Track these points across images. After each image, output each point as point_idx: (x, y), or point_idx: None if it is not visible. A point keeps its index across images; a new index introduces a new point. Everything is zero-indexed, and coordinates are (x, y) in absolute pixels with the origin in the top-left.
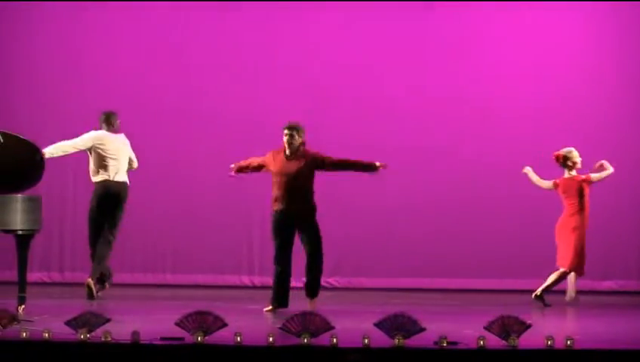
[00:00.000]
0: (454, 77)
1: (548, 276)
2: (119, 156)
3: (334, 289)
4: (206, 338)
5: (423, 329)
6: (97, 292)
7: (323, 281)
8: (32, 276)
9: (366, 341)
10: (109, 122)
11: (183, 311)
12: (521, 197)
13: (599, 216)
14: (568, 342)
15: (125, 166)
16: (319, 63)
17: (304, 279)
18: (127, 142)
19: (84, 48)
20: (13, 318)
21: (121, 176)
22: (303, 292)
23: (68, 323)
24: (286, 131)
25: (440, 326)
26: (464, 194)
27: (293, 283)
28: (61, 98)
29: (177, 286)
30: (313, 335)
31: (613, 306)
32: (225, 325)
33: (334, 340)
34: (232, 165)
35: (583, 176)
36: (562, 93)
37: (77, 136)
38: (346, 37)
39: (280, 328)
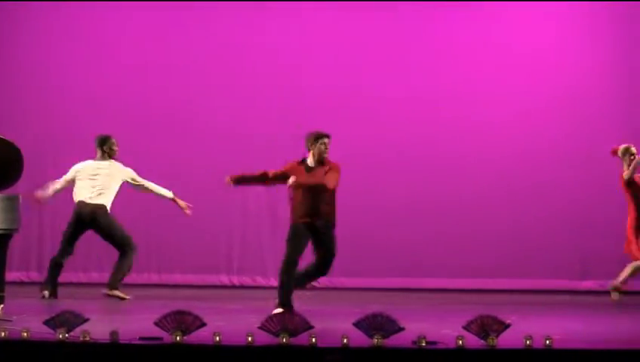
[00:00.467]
0: (454, 77)
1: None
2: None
3: (314, 289)
4: (185, 337)
5: (401, 329)
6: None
7: None
8: (10, 275)
9: (345, 340)
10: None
11: (162, 311)
12: (507, 198)
13: (578, 215)
14: (547, 342)
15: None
16: (315, 64)
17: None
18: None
19: (86, 48)
20: None
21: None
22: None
23: (47, 322)
24: (327, 140)
25: (419, 326)
26: (446, 196)
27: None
28: (57, 97)
29: (156, 285)
30: (292, 334)
31: (592, 306)
32: (203, 325)
33: (313, 340)
34: (228, 177)
35: None
36: (562, 93)
37: (70, 136)
38: (342, 38)
39: (259, 327)
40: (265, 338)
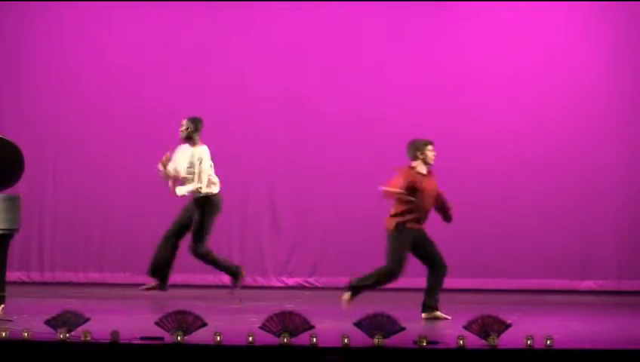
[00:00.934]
0: (454, 77)
1: (530, 276)
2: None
3: (315, 288)
4: (186, 337)
5: (402, 329)
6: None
7: (302, 281)
8: (11, 275)
9: (346, 340)
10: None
11: (163, 311)
12: (507, 198)
13: (579, 215)
14: (548, 342)
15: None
16: (315, 64)
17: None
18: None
19: (85, 48)
20: None
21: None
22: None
23: (47, 322)
24: (432, 147)
25: (419, 326)
26: (450, 194)
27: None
28: (57, 98)
29: None
30: (293, 334)
31: (592, 306)
32: (204, 324)
33: (314, 340)
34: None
35: None
36: (562, 93)
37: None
38: (342, 38)
39: (260, 327)
40: (266, 338)
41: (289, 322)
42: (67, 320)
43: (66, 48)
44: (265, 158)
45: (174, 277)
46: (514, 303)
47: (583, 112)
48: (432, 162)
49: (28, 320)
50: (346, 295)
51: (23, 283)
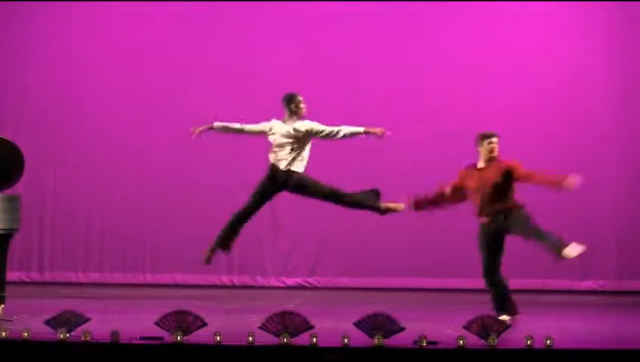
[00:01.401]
0: (454, 77)
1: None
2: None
3: (315, 288)
4: (185, 337)
5: (402, 329)
6: None
7: (302, 281)
8: (11, 275)
9: (345, 340)
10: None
11: (163, 311)
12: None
13: (577, 215)
14: (548, 342)
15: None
16: (316, 64)
17: None
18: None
19: (84, 49)
20: None
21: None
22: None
23: (47, 322)
24: (495, 140)
25: (419, 326)
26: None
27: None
28: (57, 98)
29: (157, 285)
30: (293, 334)
31: (592, 306)
32: (204, 324)
33: (314, 339)
34: (408, 201)
35: None
36: (562, 94)
37: (62, 135)
38: (342, 36)
39: (260, 327)
40: (265, 338)
41: (289, 322)
42: (67, 320)
43: (66, 48)
44: (265, 158)
45: (174, 277)
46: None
47: (583, 112)
48: (490, 155)
49: (28, 320)
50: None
51: (23, 283)
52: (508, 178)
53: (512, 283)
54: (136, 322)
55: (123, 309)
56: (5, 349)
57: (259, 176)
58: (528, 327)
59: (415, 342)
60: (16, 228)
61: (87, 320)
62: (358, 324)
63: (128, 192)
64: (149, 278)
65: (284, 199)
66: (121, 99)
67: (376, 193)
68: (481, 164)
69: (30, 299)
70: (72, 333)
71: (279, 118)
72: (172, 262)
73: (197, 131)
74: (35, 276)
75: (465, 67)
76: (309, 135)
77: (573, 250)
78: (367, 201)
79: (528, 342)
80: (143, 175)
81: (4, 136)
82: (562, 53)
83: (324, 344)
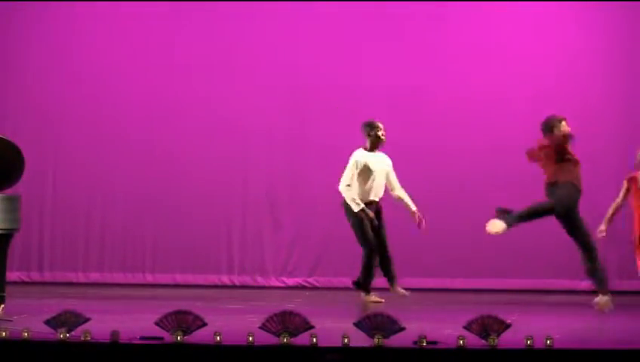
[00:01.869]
0: (453, 77)
1: (530, 276)
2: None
3: (315, 288)
4: (185, 337)
5: (402, 329)
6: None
7: (302, 281)
8: (11, 275)
9: (346, 340)
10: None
11: (163, 311)
12: (507, 198)
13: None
14: (548, 342)
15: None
16: (316, 63)
17: None
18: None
19: (84, 49)
20: None
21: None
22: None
23: (47, 322)
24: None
25: (419, 326)
26: (446, 194)
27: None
28: (57, 98)
29: (157, 285)
30: (293, 334)
31: (592, 306)
32: (204, 324)
33: (314, 339)
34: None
35: None
36: (562, 93)
37: (62, 135)
38: (342, 36)
39: (260, 327)
40: (265, 338)
41: (289, 322)
42: (67, 320)
43: (66, 49)
44: (265, 158)
45: (174, 277)
46: (514, 303)
47: (583, 113)
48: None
49: (28, 320)
50: None
51: (23, 283)
52: None
53: (513, 283)
54: (137, 322)
55: (123, 309)
56: (5, 349)
57: (259, 176)
58: (528, 327)
59: (415, 342)
60: (17, 228)
61: (87, 320)
62: (358, 324)
63: (128, 192)
64: (149, 278)
65: (284, 199)
66: (121, 99)
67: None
68: None
69: (30, 298)
70: (72, 333)
71: (279, 120)
72: (172, 262)
73: None
74: (35, 276)
75: (465, 67)
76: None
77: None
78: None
79: (528, 342)
80: (143, 175)
81: (4, 136)
82: (562, 53)
83: (324, 344)
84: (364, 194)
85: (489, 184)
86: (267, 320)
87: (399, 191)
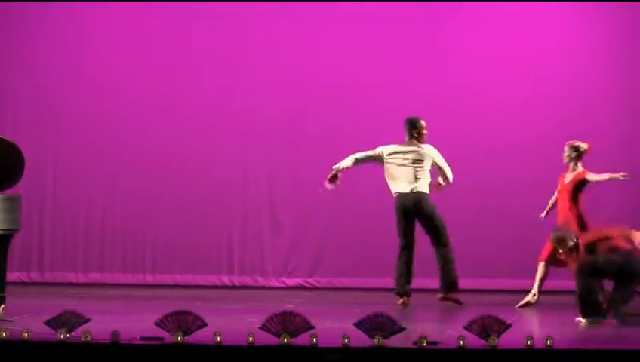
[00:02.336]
0: (453, 76)
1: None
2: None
3: (315, 288)
4: (186, 338)
5: (402, 329)
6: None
7: (302, 281)
8: (11, 276)
9: (346, 341)
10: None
11: (163, 311)
12: (507, 198)
13: None
14: (548, 342)
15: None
16: (312, 63)
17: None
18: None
19: (83, 48)
20: None
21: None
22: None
23: (47, 322)
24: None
25: (420, 326)
26: (446, 194)
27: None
28: (59, 98)
29: (157, 286)
30: (293, 335)
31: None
32: (204, 325)
33: (314, 340)
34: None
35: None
36: (562, 93)
37: (62, 135)
38: (341, 37)
39: (260, 328)
40: (266, 339)
41: (289, 322)
42: (67, 320)
43: (66, 49)
44: (265, 158)
45: (174, 278)
46: (514, 303)
47: (583, 113)
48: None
49: (28, 320)
50: None
51: (23, 284)
52: None
53: (513, 284)
54: (137, 322)
55: (123, 309)
56: (5, 349)
57: (259, 176)
58: (528, 327)
59: (415, 343)
60: (17, 228)
61: (87, 320)
62: (358, 324)
63: (128, 193)
64: (149, 278)
65: (284, 200)
66: (121, 100)
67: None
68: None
69: (30, 299)
70: (72, 334)
71: (280, 120)
72: (172, 263)
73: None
74: (35, 276)
75: (464, 67)
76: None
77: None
78: None
79: (528, 342)
80: (143, 175)
81: (3, 137)
82: (562, 53)
83: (324, 344)
84: None
85: (489, 184)
86: (267, 321)
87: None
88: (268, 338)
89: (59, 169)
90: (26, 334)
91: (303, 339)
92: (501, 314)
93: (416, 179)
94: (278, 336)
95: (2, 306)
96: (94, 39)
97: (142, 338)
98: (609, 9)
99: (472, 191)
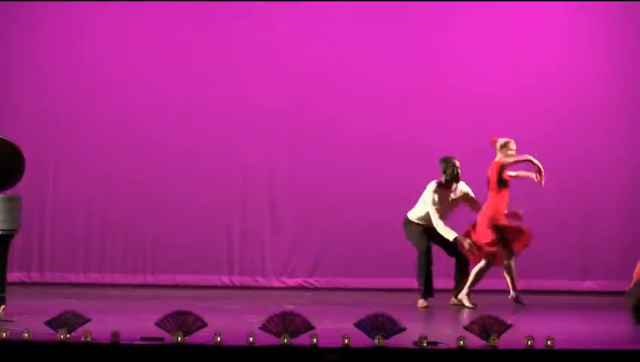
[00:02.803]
0: (453, 76)
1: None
2: None
3: (315, 289)
4: (186, 338)
5: (402, 329)
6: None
7: (302, 281)
8: (11, 276)
9: (346, 341)
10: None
11: (163, 311)
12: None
13: (579, 215)
14: (548, 342)
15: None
16: (314, 64)
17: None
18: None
19: (84, 48)
20: None
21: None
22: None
23: (48, 323)
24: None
25: (420, 326)
26: None
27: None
28: (61, 99)
29: (157, 286)
30: (293, 335)
31: (593, 306)
32: (205, 325)
33: (314, 340)
34: None
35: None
36: (562, 93)
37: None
38: (341, 37)
39: (260, 328)
40: (266, 339)
41: (289, 322)
42: (67, 320)
43: (67, 49)
44: (265, 158)
45: (175, 278)
46: (514, 304)
47: (584, 114)
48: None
49: (28, 320)
50: None
51: (23, 284)
52: None
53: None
54: (137, 322)
55: (123, 310)
56: (6, 350)
57: (259, 176)
58: (529, 328)
59: (415, 343)
60: (17, 228)
61: (87, 320)
62: (358, 325)
63: (129, 193)
64: (150, 279)
65: (284, 200)
66: (122, 99)
67: None
68: None
69: (31, 299)
70: (73, 334)
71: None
72: (172, 263)
73: None
74: (36, 277)
75: (464, 67)
76: None
77: None
78: None
79: (529, 343)
80: (143, 176)
81: (4, 137)
82: (562, 52)
83: (324, 344)
84: None
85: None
86: (267, 321)
87: None
88: (268, 339)
89: (59, 169)
90: (27, 334)
91: (303, 340)
92: (501, 314)
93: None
94: (279, 337)
95: (3, 306)
96: (95, 39)
97: (142, 339)
98: (609, 9)
99: (474, 191)
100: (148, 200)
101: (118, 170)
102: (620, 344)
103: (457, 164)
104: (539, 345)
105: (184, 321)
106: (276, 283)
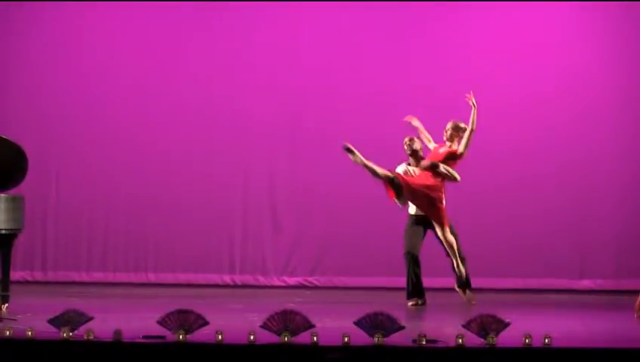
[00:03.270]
0: (453, 76)
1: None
2: None
3: (315, 287)
4: (187, 336)
5: (402, 328)
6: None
7: (303, 280)
8: (15, 275)
9: (346, 339)
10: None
11: (165, 310)
12: (507, 198)
13: (577, 215)
14: (546, 341)
15: None
16: (314, 64)
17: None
18: None
19: (86, 50)
20: None
21: None
22: None
23: (51, 321)
24: None
25: (419, 325)
26: (447, 193)
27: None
28: (60, 99)
29: (159, 285)
30: (294, 333)
31: (590, 305)
32: (206, 323)
33: (314, 338)
34: None
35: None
36: (562, 93)
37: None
38: (342, 34)
39: (261, 326)
40: (267, 337)
41: (290, 321)
42: (70, 319)
43: (70, 50)
44: (266, 158)
45: (177, 277)
46: (513, 302)
47: (582, 114)
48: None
49: (31, 319)
50: None
51: (26, 283)
52: None
53: (512, 283)
54: (139, 321)
55: (126, 308)
56: (9, 348)
57: (260, 176)
58: (527, 326)
59: (414, 341)
60: (20, 228)
61: (90, 319)
62: (358, 323)
63: (131, 192)
64: (152, 277)
65: (285, 199)
66: (124, 99)
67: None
68: None
69: (34, 298)
70: (75, 332)
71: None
72: (174, 262)
73: None
74: (39, 276)
75: (464, 68)
76: None
77: None
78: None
79: (527, 341)
80: (145, 175)
81: (7, 137)
82: (562, 52)
83: (324, 342)
84: None
85: (489, 184)
86: (268, 319)
87: None
88: (269, 337)
89: (62, 169)
90: (30, 332)
91: (303, 338)
92: (500, 313)
93: None
94: (279, 335)
95: (6, 305)
96: (96, 41)
97: (144, 337)
98: (609, 8)
99: (471, 191)
100: (150, 199)
101: (120, 171)
102: (617, 342)
103: (405, 140)
104: (537, 343)
105: (186, 319)
106: (277, 282)
